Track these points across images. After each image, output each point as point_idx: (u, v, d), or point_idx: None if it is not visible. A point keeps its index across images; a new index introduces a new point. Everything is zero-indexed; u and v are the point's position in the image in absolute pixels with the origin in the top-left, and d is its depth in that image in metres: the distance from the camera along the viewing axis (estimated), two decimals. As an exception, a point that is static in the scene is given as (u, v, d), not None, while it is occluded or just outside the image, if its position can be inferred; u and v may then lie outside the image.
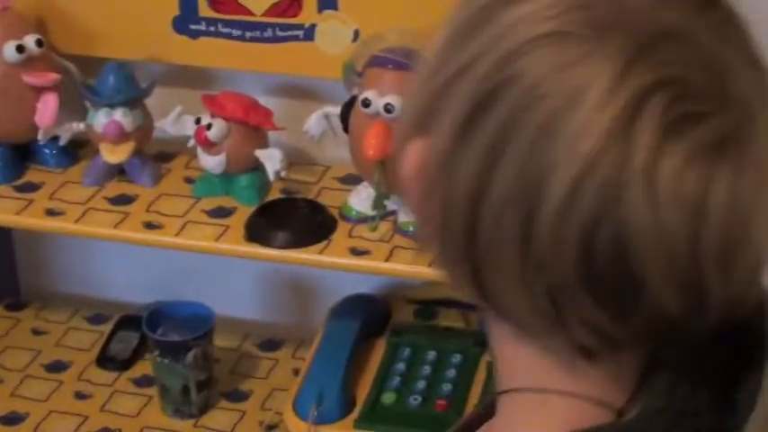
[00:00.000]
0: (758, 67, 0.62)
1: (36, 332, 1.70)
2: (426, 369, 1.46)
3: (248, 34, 1.44)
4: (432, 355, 1.48)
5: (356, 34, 1.41)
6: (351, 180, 1.42)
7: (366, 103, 1.30)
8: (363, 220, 1.36)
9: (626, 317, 0.60)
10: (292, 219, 1.37)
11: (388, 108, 1.28)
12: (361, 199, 1.37)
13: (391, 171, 1.18)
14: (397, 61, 1.29)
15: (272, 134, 1.42)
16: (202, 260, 1.47)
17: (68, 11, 1.48)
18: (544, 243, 0.58)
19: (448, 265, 0.65)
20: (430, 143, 0.63)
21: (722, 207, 0.58)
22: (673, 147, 0.57)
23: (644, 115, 0.57)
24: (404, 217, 1.33)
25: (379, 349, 1.50)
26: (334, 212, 1.38)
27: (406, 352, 1.49)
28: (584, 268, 0.58)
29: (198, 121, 1.38)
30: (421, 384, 1.44)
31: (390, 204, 1.33)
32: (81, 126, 1.43)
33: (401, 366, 1.47)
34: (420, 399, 1.42)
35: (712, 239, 0.58)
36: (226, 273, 1.61)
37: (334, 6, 1.41)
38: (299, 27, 1.42)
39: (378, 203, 1.32)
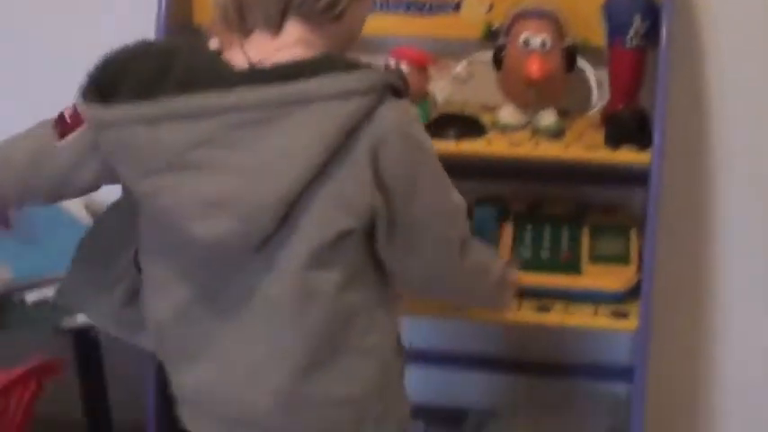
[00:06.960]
0: None
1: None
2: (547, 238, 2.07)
3: (412, 8, 2.06)
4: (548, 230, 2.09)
5: (490, 7, 2.03)
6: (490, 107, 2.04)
7: (527, 42, 1.90)
8: (507, 127, 1.97)
9: None
10: (458, 123, 1.97)
11: (543, 43, 1.88)
12: (506, 114, 1.98)
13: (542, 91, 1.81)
14: (540, 11, 1.90)
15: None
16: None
17: None
18: None
19: None
20: None
21: None
22: None
23: None
24: (543, 121, 1.94)
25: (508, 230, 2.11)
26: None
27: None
28: None
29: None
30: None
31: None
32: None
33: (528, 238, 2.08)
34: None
35: None
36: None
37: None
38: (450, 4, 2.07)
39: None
